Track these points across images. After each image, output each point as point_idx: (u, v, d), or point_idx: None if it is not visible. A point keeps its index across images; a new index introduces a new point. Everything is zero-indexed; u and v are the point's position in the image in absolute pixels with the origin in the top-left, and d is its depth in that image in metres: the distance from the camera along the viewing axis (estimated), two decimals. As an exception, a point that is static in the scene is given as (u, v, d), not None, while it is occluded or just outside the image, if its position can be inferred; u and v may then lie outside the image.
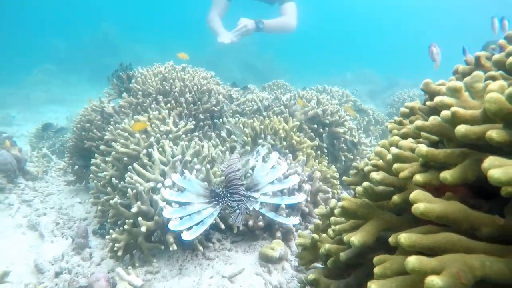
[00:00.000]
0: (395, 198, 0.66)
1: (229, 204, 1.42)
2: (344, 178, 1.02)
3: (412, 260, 0.46)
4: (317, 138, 2.30)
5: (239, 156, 1.67)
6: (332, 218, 0.86)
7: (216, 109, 2.27)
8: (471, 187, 0.64)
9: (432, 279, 0.43)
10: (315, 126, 2.35)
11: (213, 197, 1.46)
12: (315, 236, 0.91)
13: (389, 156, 0.70)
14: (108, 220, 1.84)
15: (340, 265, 0.78)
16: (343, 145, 2.41)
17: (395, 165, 0.65)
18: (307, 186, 1.80)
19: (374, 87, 9.09)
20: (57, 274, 1.75)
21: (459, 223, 0.52)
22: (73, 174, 2.67)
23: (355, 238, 0.65)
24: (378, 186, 0.71)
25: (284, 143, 2.04)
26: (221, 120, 2.24)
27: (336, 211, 0.75)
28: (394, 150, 0.68)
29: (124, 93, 2.33)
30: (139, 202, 1.59)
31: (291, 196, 1.64)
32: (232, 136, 2.05)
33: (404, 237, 0.51)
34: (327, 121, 2.37)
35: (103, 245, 1.96)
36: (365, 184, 0.70)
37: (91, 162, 2.10)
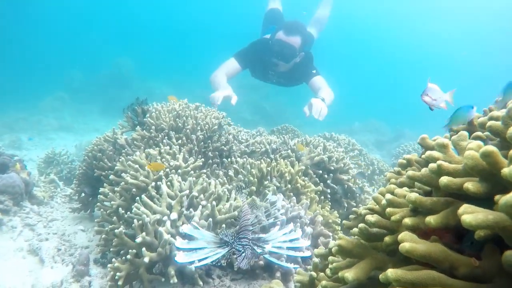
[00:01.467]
0: (387, 239, 0.72)
1: (237, 248, 1.48)
2: (344, 222, 1.08)
3: None
4: (321, 184, 2.37)
5: (251, 206, 1.76)
6: (330, 258, 0.91)
7: (225, 148, 2.38)
8: (456, 233, 0.70)
9: None
10: (320, 171, 2.43)
11: (222, 243, 1.53)
12: (313, 274, 0.96)
13: (384, 201, 0.77)
14: (111, 249, 1.87)
15: None
16: (348, 192, 2.47)
17: (388, 209, 0.73)
18: (308, 229, 1.84)
19: (382, 137, 9.26)
20: (54, 301, 1.76)
21: (440, 262, 0.59)
22: (79, 202, 2.72)
23: (349, 274, 0.70)
24: (373, 228, 0.77)
25: (289, 186, 2.11)
26: (229, 159, 2.33)
27: (333, 249, 0.80)
28: (388, 196, 0.76)
29: (138, 126, 2.45)
30: (144, 233, 1.63)
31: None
32: (239, 176, 2.13)
33: (390, 272, 0.58)
34: (332, 168, 2.45)
35: (103, 274, 1.97)
36: (361, 225, 0.77)
37: (100, 190, 2.17)
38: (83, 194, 2.71)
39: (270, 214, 1.80)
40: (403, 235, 0.63)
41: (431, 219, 0.63)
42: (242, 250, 1.45)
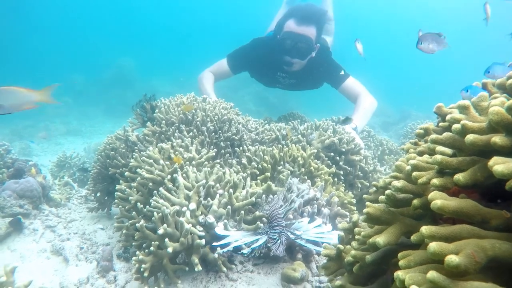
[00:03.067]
0: (415, 201, 0.73)
1: (271, 236, 1.52)
2: (364, 196, 1.09)
3: (433, 245, 0.54)
4: (333, 166, 2.38)
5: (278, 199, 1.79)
6: (356, 229, 0.93)
7: (236, 137, 2.39)
8: (482, 193, 0.71)
9: (451, 257, 0.50)
10: (332, 154, 2.44)
11: (257, 234, 1.59)
12: (340, 246, 0.97)
13: (408, 167, 0.78)
14: (133, 244, 1.90)
15: (366, 270, 0.84)
16: (359, 172, 2.48)
17: (414, 173, 0.74)
18: (326, 210, 1.86)
19: (387, 119, 9.22)
20: (82, 297, 1.80)
21: (471, 216, 0.60)
22: (95, 201, 2.77)
23: (380, 239, 0.71)
24: (399, 193, 0.78)
25: (303, 169, 2.12)
26: (241, 148, 2.35)
27: (361, 217, 0.82)
28: (412, 161, 0.77)
29: (148, 122, 2.47)
30: (165, 225, 1.66)
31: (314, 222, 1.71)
32: (253, 163, 2.15)
33: (425, 229, 0.60)
34: (343, 149, 2.46)
35: (127, 268, 2.01)
36: (388, 192, 0.78)
37: (116, 188, 2.20)
38: (99, 194, 2.75)
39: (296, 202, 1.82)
40: (434, 194, 0.64)
41: (459, 177, 0.64)
42: (278, 238, 1.48)
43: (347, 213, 1.95)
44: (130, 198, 2.02)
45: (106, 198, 2.75)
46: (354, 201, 2.19)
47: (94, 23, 21.24)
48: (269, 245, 1.51)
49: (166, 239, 1.59)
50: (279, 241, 1.47)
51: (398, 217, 0.76)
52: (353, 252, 0.84)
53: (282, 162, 2.16)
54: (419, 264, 0.63)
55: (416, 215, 0.79)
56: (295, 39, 3.12)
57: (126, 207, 2.09)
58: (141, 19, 23.07)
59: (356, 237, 0.90)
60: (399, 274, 0.61)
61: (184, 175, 1.96)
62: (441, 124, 1.05)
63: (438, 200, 0.61)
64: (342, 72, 3.42)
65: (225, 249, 1.48)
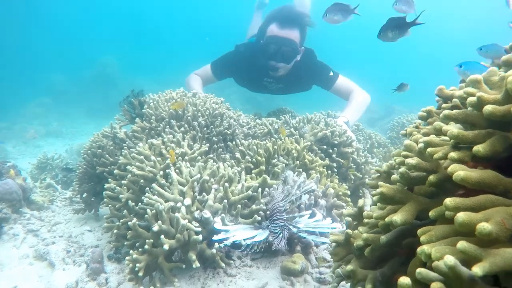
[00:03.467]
0: (431, 177, 0.71)
1: (272, 230, 1.48)
2: (367, 181, 1.08)
3: (461, 215, 0.52)
4: (327, 158, 2.36)
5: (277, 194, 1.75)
6: (365, 213, 0.90)
7: (228, 132, 2.34)
8: (498, 167, 0.70)
9: (483, 225, 0.49)
10: (325, 147, 2.43)
11: (258, 228, 1.55)
12: (349, 231, 0.95)
13: (420, 145, 0.76)
14: (125, 243, 1.83)
15: (376, 254, 0.81)
16: (352, 164, 2.48)
17: (429, 149, 0.72)
18: (322, 202, 1.84)
19: (373, 115, 9.33)
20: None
21: (494, 187, 0.59)
22: (82, 202, 2.66)
23: (397, 217, 0.69)
24: (413, 171, 0.76)
25: (298, 162, 2.10)
26: (234, 142, 2.30)
27: (374, 198, 0.79)
28: (425, 138, 0.75)
29: (137, 118, 2.40)
30: (159, 221, 1.60)
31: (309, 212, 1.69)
32: (247, 157, 2.11)
33: (449, 200, 0.57)
34: (336, 142, 2.45)
35: (119, 269, 1.93)
36: (402, 169, 0.75)
37: (105, 186, 2.12)
38: (85, 194, 2.65)
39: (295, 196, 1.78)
40: (454, 166, 0.62)
41: (479, 148, 0.62)
42: (280, 231, 1.45)
43: (344, 204, 1.94)
44: (121, 196, 1.94)
45: (93, 198, 2.65)
46: (348, 192, 2.18)
47: (75, 20, 20.59)
48: (270, 239, 1.47)
49: (162, 236, 1.53)
50: (281, 235, 1.43)
51: (411, 196, 0.74)
52: (364, 235, 0.81)
53: (276, 156, 2.13)
54: (441, 238, 0.61)
55: (428, 193, 0.77)
56: (279, 43, 3.07)
57: (117, 206, 2.01)
58: (124, 17, 22.57)
59: (366, 220, 0.87)
60: (424, 248, 0.59)
61: (177, 170, 1.90)
62: (444, 105, 1.04)
63: (461, 171, 0.59)
64: (331, 73, 3.38)
65: (222, 244, 1.43)
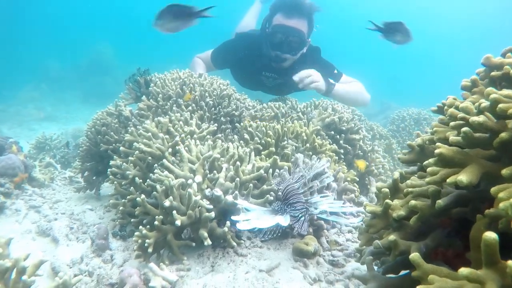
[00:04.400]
0: (503, 135, 0.68)
1: (292, 214, 1.43)
2: (399, 156, 1.05)
3: None
4: (334, 144, 2.34)
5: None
6: (408, 181, 0.87)
7: (236, 113, 2.31)
8: None
9: None
10: (332, 132, 2.40)
11: (276, 211, 1.48)
12: (388, 201, 0.92)
13: (484, 104, 0.72)
14: (132, 220, 1.80)
15: (421, 223, 0.79)
16: (359, 151, 2.46)
17: (501, 105, 0.67)
18: (334, 185, 1.82)
19: (369, 110, 9.35)
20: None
21: None
22: (83, 181, 2.62)
23: (462, 177, 0.66)
24: (477, 131, 0.72)
25: (308, 145, 2.07)
26: (241, 124, 2.27)
27: (431, 160, 0.75)
28: (493, 95, 0.70)
29: (144, 96, 2.35)
30: (171, 197, 1.57)
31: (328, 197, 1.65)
32: (256, 139, 2.07)
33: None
34: (344, 128, 2.43)
35: (124, 247, 1.90)
36: (465, 129, 0.71)
37: (111, 163, 2.07)
38: (86, 173, 2.60)
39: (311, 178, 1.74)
40: None
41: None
42: (301, 215, 1.40)
43: (355, 188, 1.93)
44: (128, 172, 1.90)
45: (94, 178, 2.61)
46: (357, 179, 2.17)
47: (70, 7, 20.15)
48: (290, 223, 1.43)
49: (174, 212, 1.50)
50: (302, 218, 1.39)
51: (474, 157, 0.71)
52: (412, 202, 0.79)
53: (285, 138, 2.10)
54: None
55: (487, 157, 0.74)
56: (286, 32, 2.88)
57: (123, 183, 1.97)
58: (118, 3, 22.14)
59: (409, 189, 0.84)
60: (508, 203, 0.56)
61: (186, 148, 1.86)
62: (493, 73, 0.99)
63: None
64: (336, 71, 3.19)
65: (245, 228, 1.38)
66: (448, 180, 0.69)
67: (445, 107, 0.93)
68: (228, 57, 3.37)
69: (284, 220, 1.38)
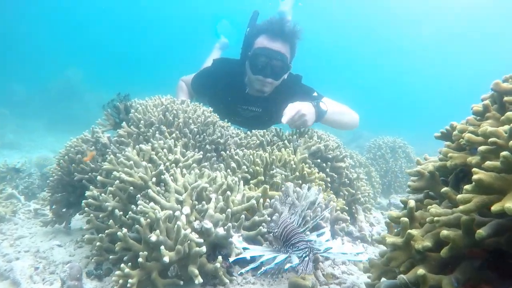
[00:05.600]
0: None
1: (296, 254, 1.31)
2: (409, 183, 1.02)
3: None
4: (320, 172, 2.31)
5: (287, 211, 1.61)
6: (432, 210, 0.81)
7: (221, 141, 2.23)
8: None
9: None
10: (318, 160, 2.38)
11: (277, 252, 1.36)
12: (411, 232, 0.86)
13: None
14: (110, 257, 1.64)
15: (453, 254, 0.73)
16: (345, 179, 2.45)
17: None
18: (327, 214, 1.76)
19: (341, 139, 9.56)
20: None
21: None
22: (52, 213, 2.39)
23: (511, 204, 0.62)
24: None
25: (297, 173, 2.03)
26: (228, 152, 2.19)
27: (468, 187, 0.71)
28: None
29: (123, 122, 2.23)
30: (157, 231, 1.44)
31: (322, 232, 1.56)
32: (243, 167, 2.00)
33: None
34: (330, 156, 2.42)
35: (100, 288, 1.71)
36: (505, 153, 0.68)
37: (86, 194, 1.91)
38: (54, 206, 2.38)
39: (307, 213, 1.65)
40: None
41: None
42: (305, 255, 1.27)
43: (348, 218, 1.88)
44: (107, 204, 1.75)
45: (64, 210, 2.39)
46: (346, 208, 2.13)
47: (40, 30, 19.65)
48: (293, 265, 1.31)
49: (162, 247, 1.37)
50: (306, 258, 1.28)
51: None
52: (445, 232, 0.73)
53: (273, 166, 2.05)
54: None
55: None
56: (269, 55, 2.75)
57: (100, 216, 1.81)
58: (91, 28, 21.91)
59: (435, 218, 0.78)
60: None
61: (171, 177, 1.75)
62: (506, 98, 0.99)
63: None
64: (315, 93, 3.03)
65: (248, 268, 1.25)
66: (493, 208, 0.65)
67: (455, 133, 0.92)
68: (204, 84, 3.27)
69: (292, 261, 1.25)
